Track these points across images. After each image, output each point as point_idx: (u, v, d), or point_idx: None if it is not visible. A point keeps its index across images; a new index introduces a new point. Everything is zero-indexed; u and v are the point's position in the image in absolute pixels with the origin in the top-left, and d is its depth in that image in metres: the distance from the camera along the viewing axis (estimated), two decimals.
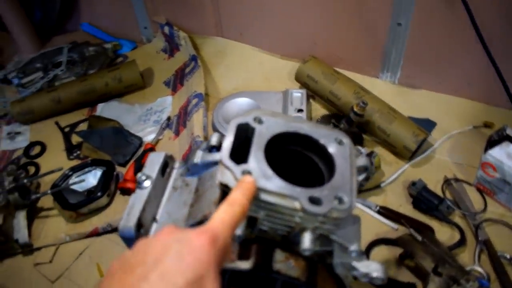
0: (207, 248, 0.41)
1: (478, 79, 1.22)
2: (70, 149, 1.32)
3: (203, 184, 0.70)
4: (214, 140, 0.71)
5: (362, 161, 0.80)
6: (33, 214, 1.15)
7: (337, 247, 0.63)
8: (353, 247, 0.61)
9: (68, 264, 1.05)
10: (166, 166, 0.74)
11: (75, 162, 1.27)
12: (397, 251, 0.98)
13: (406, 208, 1.08)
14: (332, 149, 0.62)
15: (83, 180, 1.12)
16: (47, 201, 1.17)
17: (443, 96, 1.30)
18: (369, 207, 1.08)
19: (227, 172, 0.56)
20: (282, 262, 0.60)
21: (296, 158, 0.67)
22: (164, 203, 0.71)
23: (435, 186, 1.11)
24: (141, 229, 0.64)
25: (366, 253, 1.00)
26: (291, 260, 0.61)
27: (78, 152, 1.30)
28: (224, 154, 0.57)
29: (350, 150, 0.64)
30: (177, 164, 0.77)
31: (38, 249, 1.08)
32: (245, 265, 0.58)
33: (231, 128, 0.62)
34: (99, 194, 1.11)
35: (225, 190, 0.56)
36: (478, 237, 0.99)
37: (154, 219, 0.68)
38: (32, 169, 1.29)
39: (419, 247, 0.93)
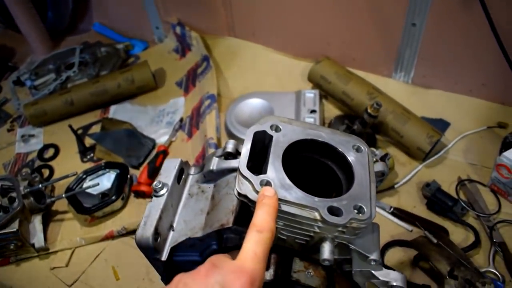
0: None
1: (493, 80, 1.21)
2: (84, 151, 1.32)
3: (219, 191, 0.70)
4: (230, 147, 0.71)
5: (379, 166, 0.80)
6: (48, 218, 1.15)
7: (356, 255, 0.63)
8: (372, 256, 0.61)
9: (84, 267, 1.06)
10: (181, 173, 0.74)
11: (89, 165, 1.28)
12: (412, 252, 0.98)
13: (420, 209, 1.08)
14: (350, 157, 0.62)
15: (97, 184, 1.12)
16: (61, 204, 1.18)
17: (457, 96, 1.29)
18: (383, 209, 1.08)
19: (246, 183, 0.56)
20: (301, 272, 0.61)
21: (313, 165, 0.67)
22: (180, 210, 0.71)
23: (448, 187, 1.10)
24: (158, 238, 0.65)
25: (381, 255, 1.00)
26: (310, 270, 0.61)
27: (92, 154, 1.31)
28: (242, 164, 0.57)
29: (369, 157, 0.63)
30: (192, 170, 0.76)
31: (54, 253, 1.09)
32: (264, 275, 0.58)
33: (248, 137, 0.62)
34: (113, 197, 1.11)
35: (244, 201, 0.56)
36: (493, 239, 0.99)
37: (171, 227, 0.69)
38: (46, 172, 1.30)
39: (434, 250, 0.92)
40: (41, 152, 1.37)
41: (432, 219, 1.05)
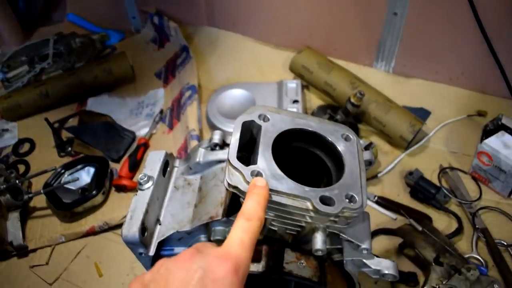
0: (230, 278, 0.40)
1: (472, 68, 1.22)
2: (61, 145, 1.27)
3: (206, 183, 0.68)
4: (216, 138, 0.69)
5: (366, 155, 0.79)
6: (26, 214, 1.11)
7: (348, 244, 0.63)
8: (364, 245, 0.61)
9: (65, 265, 1.03)
10: (167, 166, 0.72)
11: (67, 159, 1.24)
12: (397, 240, 0.98)
13: (403, 198, 1.09)
14: (340, 146, 0.62)
15: (77, 179, 1.09)
16: (40, 200, 1.14)
17: (438, 85, 1.30)
18: (368, 198, 1.08)
19: (236, 174, 0.54)
20: (293, 263, 0.60)
21: (301, 154, 0.66)
22: (166, 203, 0.69)
23: (431, 174, 1.11)
24: (145, 232, 0.63)
25: None
26: (302, 260, 0.60)
27: (69, 148, 1.26)
28: (231, 154, 0.56)
29: (358, 146, 0.63)
30: (177, 162, 0.75)
31: (34, 250, 1.06)
32: (256, 267, 0.57)
33: (236, 126, 0.60)
34: (94, 192, 1.08)
35: (234, 192, 0.55)
36: (476, 225, 1.00)
37: (157, 221, 0.67)
38: (22, 168, 1.25)
39: (419, 237, 0.93)
40: (16, 147, 1.32)
41: (415, 207, 1.06)
